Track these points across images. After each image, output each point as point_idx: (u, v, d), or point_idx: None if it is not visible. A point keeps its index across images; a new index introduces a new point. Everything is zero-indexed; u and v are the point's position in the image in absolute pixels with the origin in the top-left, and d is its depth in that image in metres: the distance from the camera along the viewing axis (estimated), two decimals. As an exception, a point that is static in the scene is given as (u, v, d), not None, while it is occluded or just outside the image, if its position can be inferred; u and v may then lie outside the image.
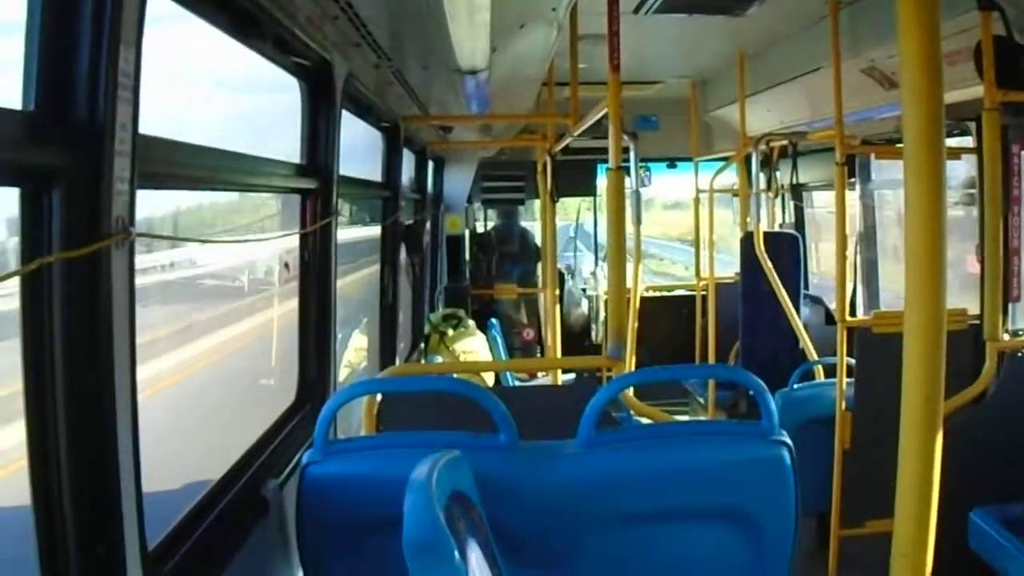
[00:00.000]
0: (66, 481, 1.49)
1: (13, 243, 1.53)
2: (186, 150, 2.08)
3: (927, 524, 1.83)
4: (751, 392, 2.64)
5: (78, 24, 1.44)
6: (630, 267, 4.97)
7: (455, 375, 4.39)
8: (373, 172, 5.12)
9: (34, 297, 1.44)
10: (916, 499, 1.82)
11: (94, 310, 1.50)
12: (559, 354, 6.66)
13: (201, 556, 2.07)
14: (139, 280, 1.68)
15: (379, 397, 3.24)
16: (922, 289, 1.77)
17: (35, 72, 1.40)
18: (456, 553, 1.66)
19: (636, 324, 5.64)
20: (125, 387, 1.59)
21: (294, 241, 3.27)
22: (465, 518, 2.03)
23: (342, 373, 4.19)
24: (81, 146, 1.46)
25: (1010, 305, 4.12)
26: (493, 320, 8.16)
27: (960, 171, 5.39)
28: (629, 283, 4.87)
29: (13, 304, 1.45)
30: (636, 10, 4.49)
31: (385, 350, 5.17)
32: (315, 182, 3.18)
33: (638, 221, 4.99)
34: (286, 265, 3.42)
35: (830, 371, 4.90)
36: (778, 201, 7.92)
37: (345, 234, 3.60)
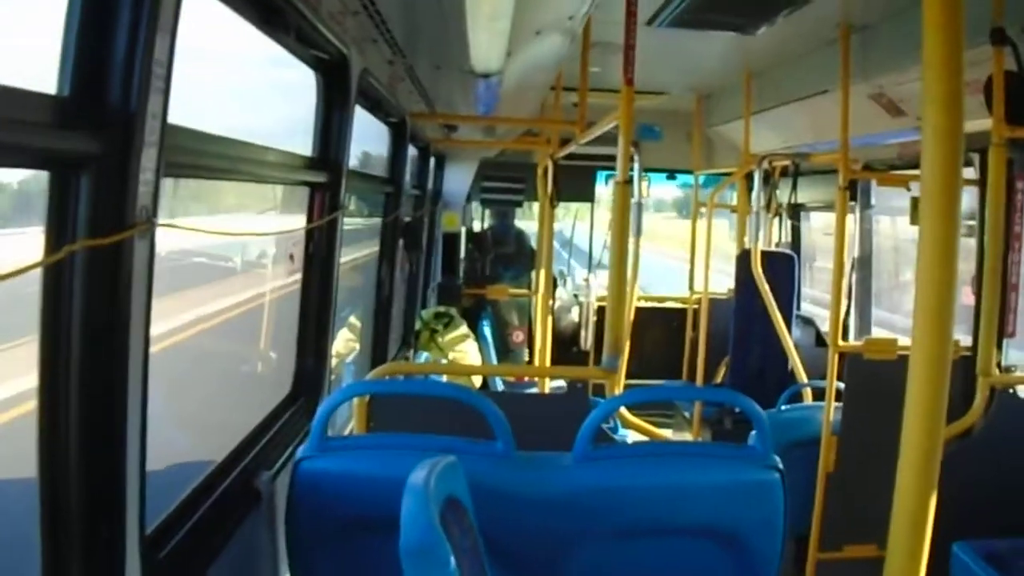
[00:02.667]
0: (75, 464, 1.50)
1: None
2: (207, 140, 2.08)
3: (919, 557, 1.84)
4: (738, 411, 2.66)
5: (116, 11, 1.44)
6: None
7: (447, 377, 4.39)
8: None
9: (56, 283, 1.44)
10: (909, 532, 1.83)
11: (113, 298, 1.50)
12: (548, 360, 6.67)
13: (195, 542, 2.07)
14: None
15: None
16: (931, 323, 1.78)
17: (71, 58, 1.40)
18: (452, 559, 1.68)
19: (629, 336, 5.64)
20: (137, 376, 1.59)
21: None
22: (458, 524, 2.04)
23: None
24: (112, 134, 1.45)
25: (1004, 340, 4.14)
26: (484, 320, 8.16)
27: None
28: None
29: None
30: (649, 23, 4.50)
31: (377, 344, 5.16)
32: (325, 175, 3.18)
33: (638, 232, 4.99)
34: (291, 256, 3.42)
35: (818, 394, 4.92)
36: (775, 220, 7.94)
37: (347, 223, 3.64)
